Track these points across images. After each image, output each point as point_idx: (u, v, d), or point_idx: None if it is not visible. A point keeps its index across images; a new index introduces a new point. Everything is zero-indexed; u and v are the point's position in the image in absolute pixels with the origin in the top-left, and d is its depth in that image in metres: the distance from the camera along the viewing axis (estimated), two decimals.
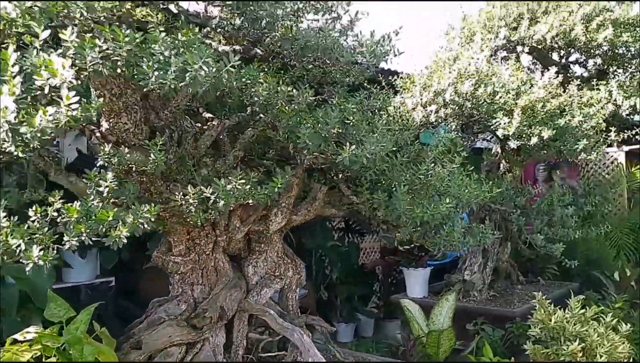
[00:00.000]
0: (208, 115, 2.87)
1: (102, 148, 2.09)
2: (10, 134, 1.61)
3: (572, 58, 5.01)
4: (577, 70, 5.31)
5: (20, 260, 1.77)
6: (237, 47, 2.55)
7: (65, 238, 1.76)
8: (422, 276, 5.13)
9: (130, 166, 2.08)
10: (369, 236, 7.56)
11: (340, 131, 2.17)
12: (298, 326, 2.91)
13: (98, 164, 2.27)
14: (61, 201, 1.91)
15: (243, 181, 2.23)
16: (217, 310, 2.82)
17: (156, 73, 1.65)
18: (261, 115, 2.49)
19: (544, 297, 3.74)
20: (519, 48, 4.73)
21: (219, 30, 2.28)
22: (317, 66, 2.34)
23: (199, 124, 2.83)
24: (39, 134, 1.48)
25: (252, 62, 2.54)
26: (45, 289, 2.52)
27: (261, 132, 2.72)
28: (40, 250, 1.73)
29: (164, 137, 2.23)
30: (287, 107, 2.11)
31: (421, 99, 3.84)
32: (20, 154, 1.66)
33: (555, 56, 4.91)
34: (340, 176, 2.65)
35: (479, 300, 4.96)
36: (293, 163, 2.95)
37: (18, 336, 2.26)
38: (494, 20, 4.68)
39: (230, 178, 2.24)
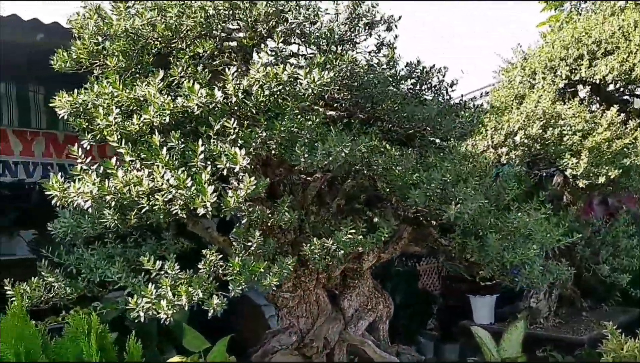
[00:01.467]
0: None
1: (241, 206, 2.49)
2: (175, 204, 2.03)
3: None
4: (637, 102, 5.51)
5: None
6: (341, 113, 2.95)
7: (230, 287, 2.16)
8: (489, 304, 5.37)
9: (265, 221, 2.47)
10: (425, 259, 7.83)
11: (440, 190, 2.52)
12: (392, 355, 3.25)
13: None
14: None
15: (354, 231, 2.60)
16: (322, 340, 3.18)
17: (306, 155, 2.04)
18: (363, 170, 2.86)
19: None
20: (580, 87, 4.99)
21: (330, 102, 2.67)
22: (418, 131, 2.70)
23: (304, 176, 3.23)
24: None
25: (353, 124, 2.92)
26: (181, 323, 2.93)
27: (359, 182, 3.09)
28: (208, 297, 2.13)
29: (291, 196, 2.62)
30: (396, 169, 2.47)
31: (492, 141, 4.16)
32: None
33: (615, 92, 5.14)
34: (433, 222, 2.99)
35: (545, 326, 5.16)
36: (382, 204, 3.32)
37: None
38: (555, 60, 4.96)
39: (343, 229, 2.61)
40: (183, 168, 1.94)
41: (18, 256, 5.29)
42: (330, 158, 2.03)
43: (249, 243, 2.35)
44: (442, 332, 6.76)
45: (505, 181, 3.42)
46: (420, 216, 2.98)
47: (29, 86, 5.52)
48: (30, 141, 5.77)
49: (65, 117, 2.24)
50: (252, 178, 1.92)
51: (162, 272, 2.23)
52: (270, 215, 2.36)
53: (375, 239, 2.64)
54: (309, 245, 2.49)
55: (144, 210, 2.18)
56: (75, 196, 1.99)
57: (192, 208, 1.99)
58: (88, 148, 2.22)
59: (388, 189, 2.79)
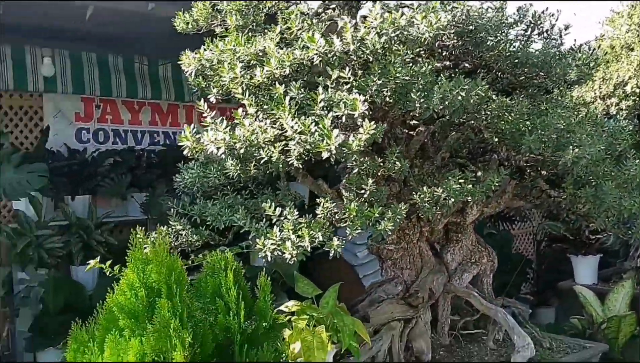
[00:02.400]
0: (413, 122, 3.29)
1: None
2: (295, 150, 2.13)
3: None
4: None
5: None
6: (447, 63, 2.94)
7: (348, 231, 2.27)
8: (592, 264, 5.21)
9: (375, 170, 2.54)
10: (519, 223, 7.64)
11: (556, 136, 2.47)
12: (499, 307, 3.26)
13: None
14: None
15: (463, 180, 2.62)
16: (427, 291, 3.24)
17: (422, 100, 2.08)
18: (470, 120, 2.85)
19: None
20: None
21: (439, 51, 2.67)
22: (529, 77, 2.64)
23: (406, 131, 3.26)
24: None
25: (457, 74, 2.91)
26: (292, 271, 3.09)
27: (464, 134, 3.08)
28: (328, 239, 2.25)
29: (400, 146, 2.67)
30: (508, 116, 2.45)
31: (599, 92, 3.97)
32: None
33: None
34: (543, 173, 2.93)
35: None
36: (484, 158, 3.30)
37: (283, 307, 2.84)
38: None
39: (451, 179, 2.63)
40: (303, 117, 2.04)
41: (130, 217, 5.71)
42: (447, 102, 2.05)
43: (362, 191, 2.43)
44: (537, 296, 6.64)
45: (616, 133, 3.28)
46: (528, 166, 2.94)
47: (134, 57, 5.88)
48: (137, 110, 6.17)
49: (192, 75, 2.39)
50: (372, 122, 1.98)
51: (282, 218, 2.37)
52: (381, 164, 2.42)
53: (485, 188, 2.64)
54: (418, 193, 2.53)
55: (263, 161, 2.32)
56: (208, 144, 2.15)
57: (312, 154, 2.10)
58: (213, 101, 2.37)
59: (497, 139, 2.77)
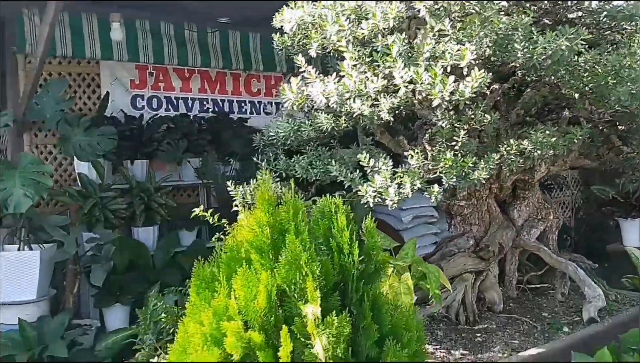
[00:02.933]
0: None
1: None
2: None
3: None
4: None
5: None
6: (527, 19, 2.99)
7: (444, 180, 2.38)
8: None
9: (469, 123, 2.62)
10: (557, 191, 7.70)
11: None
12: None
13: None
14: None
15: (548, 133, 2.70)
16: (497, 245, 3.36)
17: (525, 50, 2.15)
18: (550, 76, 2.90)
19: None
20: None
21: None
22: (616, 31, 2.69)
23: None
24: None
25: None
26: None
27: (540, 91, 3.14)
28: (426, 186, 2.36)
29: (486, 100, 2.75)
30: (597, 70, 2.51)
31: None
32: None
33: None
34: (619, 127, 2.99)
35: None
36: (551, 118, 3.37)
37: None
38: None
39: (535, 133, 2.71)
40: (412, 67, 2.13)
41: (184, 181, 5.88)
42: (550, 52, 2.13)
43: (453, 143, 2.53)
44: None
45: None
46: (606, 121, 3.00)
47: (184, 25, 5.98)
48: (187, 78, 6.29)
49: (293, 30, 2.48)
50: (481, 71, 2.07)
51: (375, 169, 2.49)
52: (472, 116, 2.51)
53: (568, 141, 2.72)
54: (504, 146, 2.62)
55: (355, 114, 2.43)
56: (317, 95, 2.25)
57: (417, 103, 2.19)
58: (314, 55, 2.46)
59: (577, 95, 2.83)
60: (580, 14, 2.64)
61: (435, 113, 2.58)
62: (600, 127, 3.18)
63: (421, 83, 2.07)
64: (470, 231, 3.43)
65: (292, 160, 2.86)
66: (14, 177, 3.90)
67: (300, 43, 2.69)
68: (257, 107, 6.84)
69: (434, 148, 2.64)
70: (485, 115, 2.52)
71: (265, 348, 1.89)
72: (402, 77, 2.10)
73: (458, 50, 2.09)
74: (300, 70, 2.49)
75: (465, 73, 2.11)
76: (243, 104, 6.73)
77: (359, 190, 2.32)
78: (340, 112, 2.54)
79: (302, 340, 1.89)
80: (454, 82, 2.09)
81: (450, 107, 2.27)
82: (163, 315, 3.28)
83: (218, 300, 2.00)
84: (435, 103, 2.10)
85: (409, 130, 3.36)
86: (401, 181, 2.29)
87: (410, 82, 2.10)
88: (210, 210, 2.77)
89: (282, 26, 2.71)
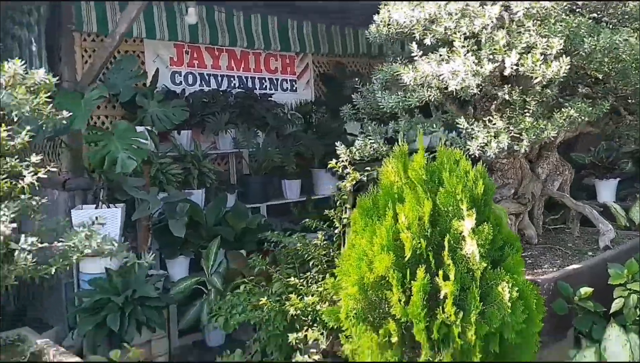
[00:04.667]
0: None
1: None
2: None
3: None
4: None
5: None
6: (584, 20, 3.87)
7: (524, 137, 3.23)
8: (612, 186, 6.38)
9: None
10: None
11: None
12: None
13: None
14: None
15: (584, 104, 3.60)
16: (530, 194, 4.29)
17: (591, 44, 3.02)
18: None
19: None
20: None
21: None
22: None
23: None
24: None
25: None
26: None
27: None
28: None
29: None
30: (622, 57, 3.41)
31: None
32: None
33: None
34: (629, 101, 3.95)
35: None
36: (567, 93, 4.29)
37: None
38: None
39: (578, 103, 3.59)
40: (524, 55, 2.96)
41: (221, 150, 6.52)
42: (608, 45, 3.00)
43: (525, 110, 3.39)
44: None
45: None
46: (620, 97, 3.95)
47: (214, 6, 6.56)
48: (217, 56, 6.87)
49: (411, 22, 3.25)
50: (567, 57, 2.92)
51: (469, 131, 3.32)
52: (540, 91, 3.37)
53: (598, 110, 3.64)
54: (557, 113, 3.51)
55: (450, 88, 3.24)
56: (445, 74, 3.03)
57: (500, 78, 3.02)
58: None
59: (601, 76, 3.74)
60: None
61: (502, 89, 3.44)
62: (610, 100, 4.13)
63: (526, 66, 2.90)
64: (508, 183, 4.34)
65: (391, 124, 3.64)
66: (114, 142, 4.46)
67: (395, 33, 3.46)
68: (275, 83, 7.50)
69: (502, 115, 3.50)
70: (546, 89, 3.39)
71: (428, 251, 2.70)
72: (512, 62, 2.93)
73: (547, 42, 2.93)
74: (412, 54, 3.27)
75: (551, 60, 2.95)
76: (263, 81, 7.37)
77: (467, 145, 3.14)
78: (431, 87, 3.35)
79: (454, 245, 2.71)
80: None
81: (541, 85, 3.11)
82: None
83: (387, 220, 2.79)
84: (535, 81, 2.94)
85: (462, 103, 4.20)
86: (498, 138, 3.13)
87: (518, 65, 2.92)
88: (342, 163, 3.51)
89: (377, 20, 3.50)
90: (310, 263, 3.67)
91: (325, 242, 3.64)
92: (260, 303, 3.41)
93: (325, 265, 3.61)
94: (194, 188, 5.74)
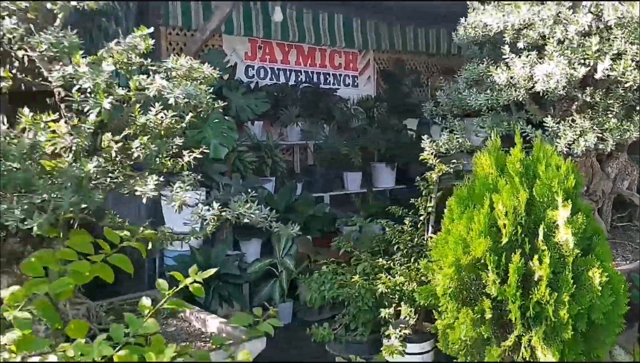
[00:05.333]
0: None
1: None
2: None
3: None
4: None
5: None
6: None
7: (609, 137, 3.46)
8: None
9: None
10: None
11: None
12: None
13: None
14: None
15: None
16: (600, 191, 4.49)
17: None
18: None
19: None
20: None
21: None
22: None
23: None
24: None
25: None
26: None
27: None
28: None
29: None
30: None
31: None
32: None
33: None
34: None
35: None
36: None
37: None
38: None
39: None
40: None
41: (290, 141, 6.86)
42: None
43: (607, 111, 3.62)
44: None
45: None
46: None
47: (285, 5, 6.88)
48: (287, 52, 7.20)
49: (501, 28, 3.50)
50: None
51: (554, 129, 3.56)
52: (623, 94, 3.59)
53: None
54: (637, 115, 3.72)
55: (537, 89, 3.49)
56: (539, 75, 3.28)
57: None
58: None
59: None
60: None
61: (584, 91, 3.68)
62: None
63: (617, 71, 3.14)
64: None
65: (475, 121, 3.90)
66: (206, 129, 4.82)
67: (481, 36, 3.72)
68: (339, 79, 7.81)
69: (584, 116, 3.73)
70: (628, 93, 3.60)
71: (524, 237, 2.97)
72: (604, 67, 3.16)
73: (638, 49, 3.15)
74: (504, 57, 3.52)
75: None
76: (328, 76, 7.68)
77: (555, 142, 3.38)
78: (518, 87, 3.60)
79: (548, 233, 2.97)
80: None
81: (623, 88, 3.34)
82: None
83: (484, 208, 3.06)
84: (627, 85, 3.17)
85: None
86: (585, 137, 3.37)
87: (610, 69, 3.16)
88: (430, 155, 3.79)
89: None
90: (395, 247, 3.96)
91: (410, 228, 3.92)
92: (352, 281, 3.72)
93: (410, 250, 3.90)
94: (267, 175, 6.09)
